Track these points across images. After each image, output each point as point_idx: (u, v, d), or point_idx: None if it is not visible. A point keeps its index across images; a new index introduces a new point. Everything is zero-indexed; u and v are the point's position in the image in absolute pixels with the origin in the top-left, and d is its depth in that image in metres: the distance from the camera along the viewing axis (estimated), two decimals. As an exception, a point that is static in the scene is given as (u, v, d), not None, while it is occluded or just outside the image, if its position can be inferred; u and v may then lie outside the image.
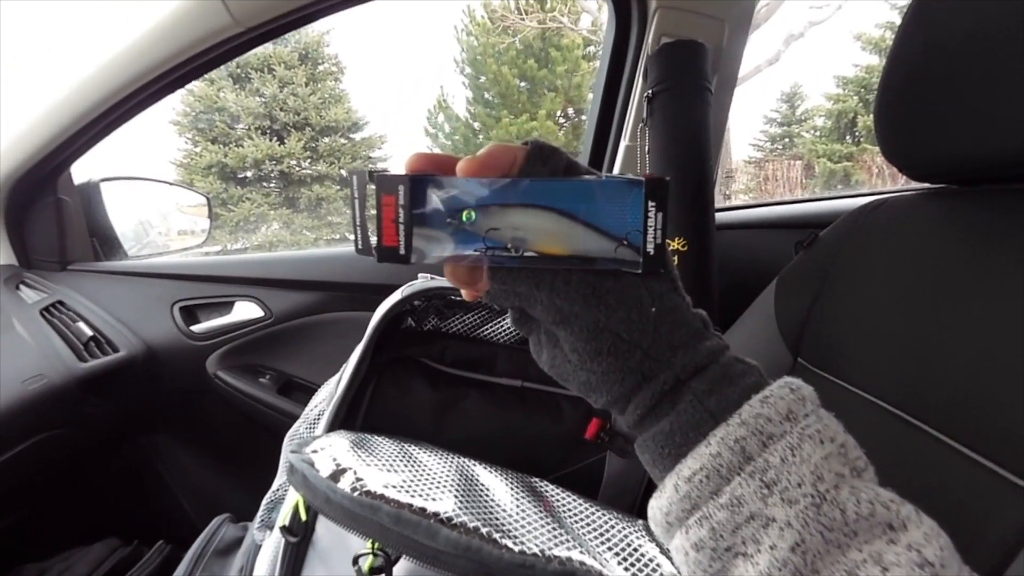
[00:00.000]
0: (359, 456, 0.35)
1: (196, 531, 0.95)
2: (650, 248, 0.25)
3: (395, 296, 0.53)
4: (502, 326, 0.56)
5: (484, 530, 0.29)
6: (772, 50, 8.90)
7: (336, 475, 0.31)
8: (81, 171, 0.98)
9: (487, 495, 0.35)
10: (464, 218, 0.25)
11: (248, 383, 0.92)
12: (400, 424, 0.50)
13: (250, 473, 0.99)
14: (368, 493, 0.30)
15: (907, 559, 0.22)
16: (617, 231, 0.25)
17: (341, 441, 0.37)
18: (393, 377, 0.51)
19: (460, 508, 0.31)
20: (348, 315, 0.96)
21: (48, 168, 0.87)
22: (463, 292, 0.27)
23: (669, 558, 0.36)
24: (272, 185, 9.21)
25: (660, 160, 0.59)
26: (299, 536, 0.43)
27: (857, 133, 9.83)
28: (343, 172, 9.42)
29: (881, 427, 0.52)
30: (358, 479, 0.31)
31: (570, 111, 9.82)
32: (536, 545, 0.30)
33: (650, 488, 0.51)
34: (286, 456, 0.54)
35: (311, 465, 0.32)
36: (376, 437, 0.40)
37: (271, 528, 0.50)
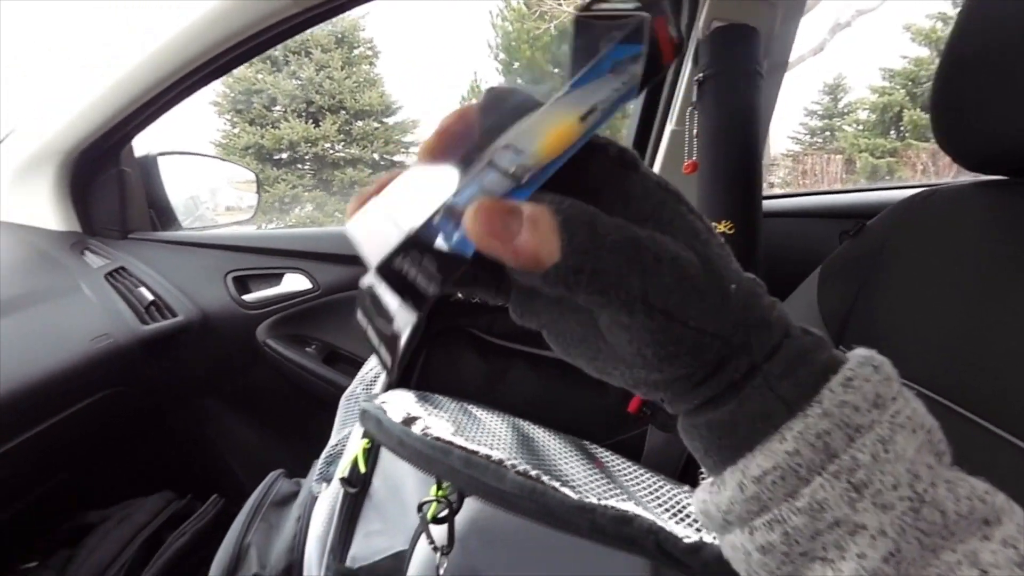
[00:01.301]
0: (425, 408, 0.37)
1: (243, 488, 1.00)
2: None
3: (446, 268, 0.55)
4: (547, 302, 0.58)
5: (545, 478, 0.31)
6: (817, 39, 8.64)
7: (408, 421, 0.34)
8: (139, 145, 1.02)
9: (544, 450, 0.37)
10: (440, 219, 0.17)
11: (295, 352, 0.96)
12: (450, 390, 0.52)
13: (295, 437, 1.04)
14: (439, 439, 0.32)
15: (1005, 558, 0.19)
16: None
17: (407, 396, 0.39)
18: (444, 346, 0.54)
19: (521, 458, 0.33)
20: (392, 289, 0.99)
21: (112, 140, 0.91)
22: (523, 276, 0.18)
23: None
24: (306, 167, 9.36)
25: (709, 144, 0.60)
26: (357, 487, 0.46)
27: (902, 128, 9.50)
28: (375, 156, 9.51)
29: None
30: (427, 427, 0.33)
31: (604, 99, 9.70)
32: (593, 496, 0.32)
33: (691, 463, 0.53)
34: (343, 416, 0.57)
35: (384, 412, 0.35)
36: (436, 395, 0.43)
37: (328, 481, 0.53)
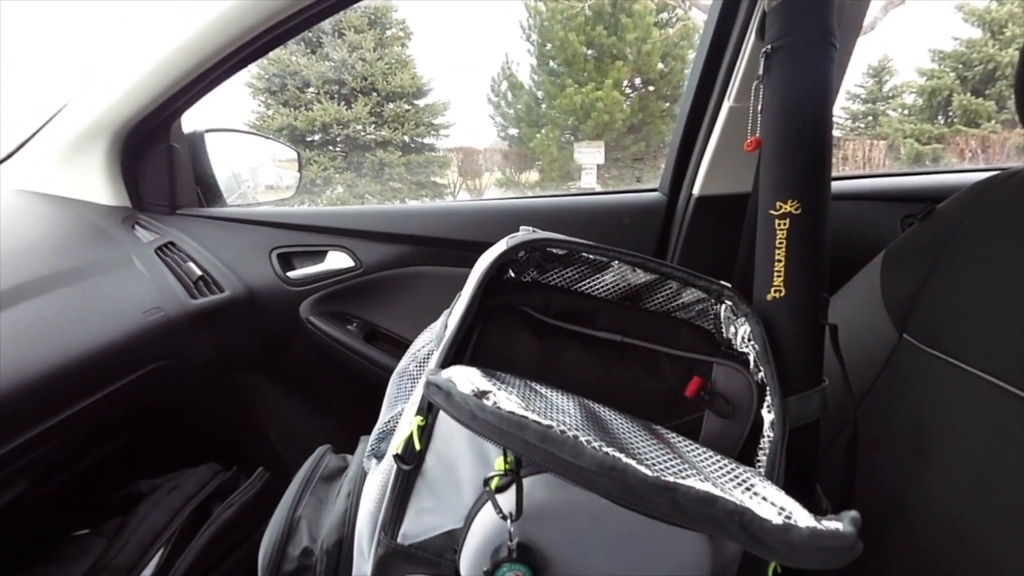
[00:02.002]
0: (493, 383, 0.36)
1: (283, 462, 1.02)
2: None
3: (501, 245, 0.54)
4: (600, 282, 0.56)
5: (620, 455, 0.30)
6: (868, 17, 8.29)
7: (479, 395, 0.33)
8: (187, 121, 1.03)
9: (612, 427, 0.36)
10: None
11: (337, 329, 0.97)
12: (504, 369, 0.51)
13: (336, 413, 1.05)
14: (513, 412, 0.31)
15: None
16: None
17: (471, 371, 0.38)
18: (499, 324, 0.52)
19: (593, 435, 0.32)
20: (434, 269, 0.99)
21: (163, 116, 0.92)
22: None
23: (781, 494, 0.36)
24: (337, 149, 9.43)
25: (776, 120, 0.57)
26: (411, 465, 0.45)
27: (951, 113, 9.09)
28: (405, 138, 9.53)
29: (996, 405, 0.50)
30: (497, 399, 0.32)
31: (637, 81, 9.51)
32: (669, 475, 0.30)
33: (747, 448, 0.51)
34: (395, 393, 0.56)
35: (455, 385, 0.34)
36: (497, 371, 0.42)
37: (379, 458, 0.53)
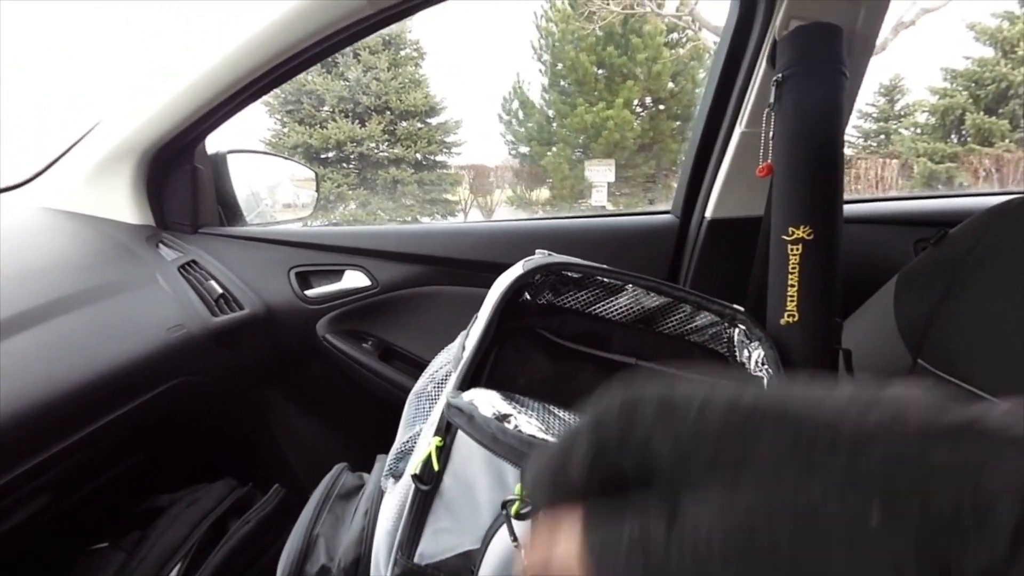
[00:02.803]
0: (513, 406, 0.37)
1: (299, 480, 1.02)
2: None
3: (517, 268, 0.55)
4: (615, 305, 0.57)
5: None
6: (879, 38, 8.33)
7: (501, 418, 0.33)
8: (210, 142, 1.06)
9: None
10: None
11: (353, 347, 0.98)
12: (519, 390, 0.52)
13: (351, 431, 1.06)
14: (533, 436, 0.32)
15: None
16: None
17: (491, 394, 0.39)
18: (515, 346, 0.54)
19: None
20: (449, 289, 1.00)
21: (189, 138, 0.95)
22: None
23: None
24: (351, 167, 9.57)
25: (787, 146, 0.58)
26: (429, 485, 0.46)
27: (964, 132, 9.05)
28: (418, 156, 9.64)
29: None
30: (518, 423, 0.33)
31: (648, 100, 9.58)
32: None
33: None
34: (413, 413, 0.57)
35: (476, 408, 0.35)
36: (516, 395, 0.43)
37: (397, 477, 0.54)
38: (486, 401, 0.36)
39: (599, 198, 9.04)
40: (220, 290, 0.92)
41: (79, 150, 0.99)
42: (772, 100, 0.60)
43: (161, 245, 0.97)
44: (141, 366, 0.75)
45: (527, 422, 0.34)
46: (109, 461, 0.82)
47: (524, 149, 10.28)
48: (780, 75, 0.59)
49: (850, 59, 0.77)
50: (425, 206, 9.73)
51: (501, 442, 0.32)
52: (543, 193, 10.43)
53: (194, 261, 0.95)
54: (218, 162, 1.08)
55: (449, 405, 0.36)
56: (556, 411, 0.42)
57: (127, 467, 0.85)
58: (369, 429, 0.84)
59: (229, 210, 1.11)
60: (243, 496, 0.87)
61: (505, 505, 0.36)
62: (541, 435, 0.32)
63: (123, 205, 1.00)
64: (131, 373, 0.74)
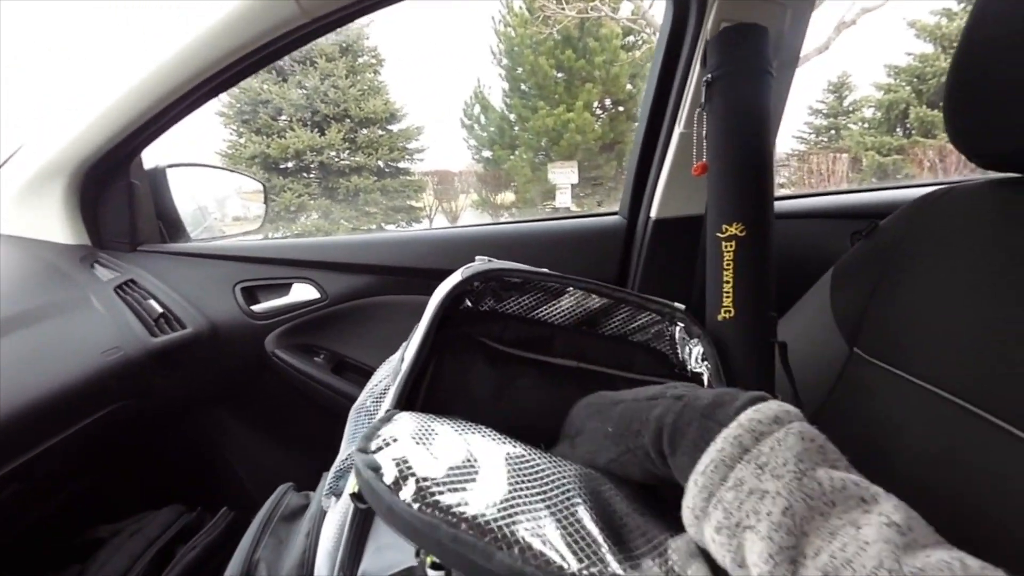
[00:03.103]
0: (424, 448, 0.36)
1: (252, 500, 0.99)
2: None
3: (456, 276, 0.54)
4: (557, 308, 0.57)
5: (542, 547, 0.30)
6: (822, 38, 8.63)
7: (399, 481, 0.33)
8: (148, 158, 1.03)
9: (550, 489, 0.35)
10: None
11: (304, 362, 0.96)
12: (459, 400, 0.52)
13: (305, 447, 1.04)
14: (429, 505, 0.31)
15: (877, 521, 0.26)
16: None
17: (404, 434, 0.38)
18: (454, 354, 0.53)
19: (525, 509, 0.32)
20: (399, 298, 0.99)
21: (122, 154, 0.91)
22: None
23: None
24: (312, 176, 9.41)
25: (718, 145, 0.59)
26: (367, 503, 0.45)
27: (909, 125, 9.43)
28: (380, 163, 9.54)
29: (943, 417, 0.51)
30: (420, 486, 0.32)
31: (607, 102, 9.71)
32: (590, 558, 0.31)
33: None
34: (353, 429, 0.56)
35: (375, 470, 0.33)
36: (439, 424, 0.41)
37: (338, 496, 0.52)
38: (390, 454, 0.35)
39: (563, 200, 9.11)
40: (160, 309, 0.88)
41: (7, 170, 0.94)
42: (703, 100, 0.62)
43: (96, 265, 0.94)
44: (75, 392, 0.72)
45: (432, 471, 0.33)
46: (45, 493, 0.78)
47: (487, 153, 10.29)
48: (709, 75, 0.60)
49: (778, 59, 0.80)
50: (389, 213, 9.64)
51: (396, 514, 0.31)
52: (508, 197, 10.46)
53: (132, 280, 0.92)
54: (157, 177, 1.04)
55: (354, 465, 0.35)
56: (477, 440, 0.40)
57: (66, 498, 0.81)
58: (323, 444, 0.82)
59: (171, 226, 1.07)
60: (191, 521, 0.84)
61: (418, 552, 0.35)
62: (443, 501, 0.31)
63: (55, 225, 0.96)
64: (64, 400, 0.71)
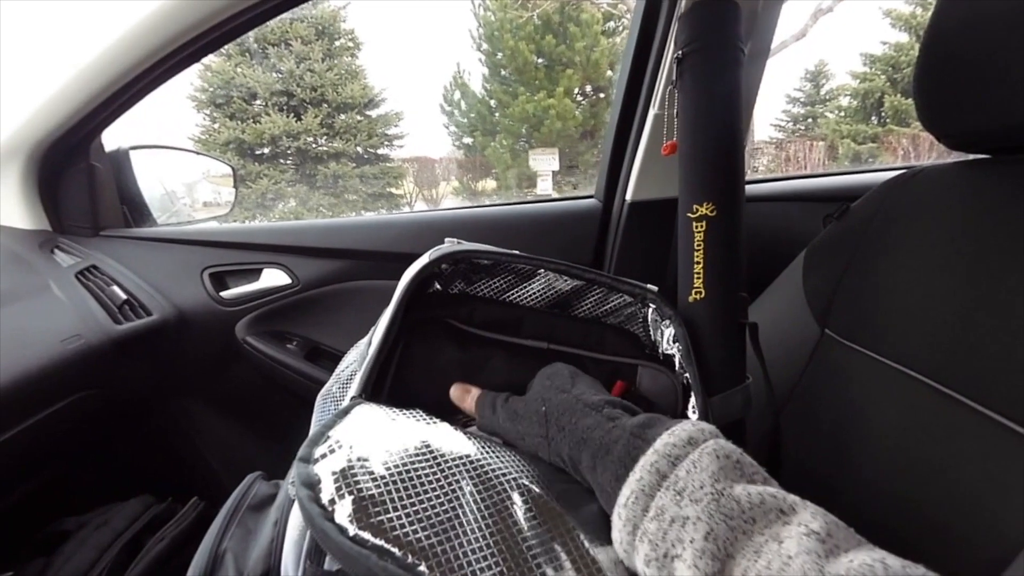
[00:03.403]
0: (372, 451, 0.35)
1: (225, 490, 0.98)
2: None
3: (423, 259, 0.53)
4: (528, 290, 0.57)
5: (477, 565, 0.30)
6: (799, 24, 8.68)
7: (334, 500, 0.32)
8: (110, 140, 0.99)
9: (488, 500, 0.35)
10: None
11: (276, 349, 0.94)
12: (427, 383, 0.51)
13: (277, 435, 1.02)
14: (364, 527, 0.30)
15: (797, 532, 0.26)
16: None
17: (358, 428, 0.37)
18: (423, 337, 0.52)
19: (468, 523, 0.32)
20: (373, 283, 0.97)
21: (80, 134, 0.88)
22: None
23: None
24: (289, 162, 9.25)
25: (689, 123, 0.58)
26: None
27: (884, 113, 9.57)
28: (359, 149, 9.41)
29: (913, 397, 0.52)
30: (357, 505, 0.31)
31: (588, 88, 9.67)
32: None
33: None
34: (319, 416, 0.55)
35: (313, 487, 0.32)
36: (395, 421, 0.40)
37: (305, 482, 0.51)
38: (329, 465, 0.33)
39: (544, 187, 9.09)
40: (124, 296, 0.86)
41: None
42: (674, 78, 0.61)
43: (57, 251, 0.90)
44: (33, 381, 0.69)
45: (370, 484, 0.32)
46: (7, 485, 0.76)
47: (468, 140, 10.21)
48: (680, 52, 0.59)
49: (751, 43, 0.79)
50: (368, 200, 9.52)
51: (330, 541, 0.30)
52: (489, 183, 10.40)
53: (94, 266, 0.89)
54: (119, 159, 1.01)
55: (292, 482, 0.34)
56: (432, 439, 0.39)
57: (28, 491, 0.79)
58: (296, 432, 0.80)
59: (136, 210, 1.04)
60: (161, 513, 0.83)
61: None
62: (375, 522, 0.30)
63: (13, 209, 0.93)
64: (22, 390, 0.68)
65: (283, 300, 0.96)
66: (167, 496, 0.87)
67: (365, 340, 0.56)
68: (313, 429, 0.56)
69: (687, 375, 0.51)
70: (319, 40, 9.13)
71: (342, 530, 0.30)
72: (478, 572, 0.30)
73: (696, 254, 0.55)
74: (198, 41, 0.78)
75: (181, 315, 0.91)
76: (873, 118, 9.83)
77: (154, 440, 0.99)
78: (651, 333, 0.56)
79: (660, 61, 0.83)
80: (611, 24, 9.48)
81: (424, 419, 0.42)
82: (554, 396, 0.42)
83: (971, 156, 0.59)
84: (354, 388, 0.49)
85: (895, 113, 9.24)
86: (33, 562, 0.74)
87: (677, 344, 0.52)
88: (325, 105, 9.08)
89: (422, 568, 0.29)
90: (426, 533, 0.31)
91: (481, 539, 0.32)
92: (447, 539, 0.31)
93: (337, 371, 0.56)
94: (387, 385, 0.50)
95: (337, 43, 9.40)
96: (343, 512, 0.31)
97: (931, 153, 8.82)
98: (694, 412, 0.50)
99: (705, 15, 0.58)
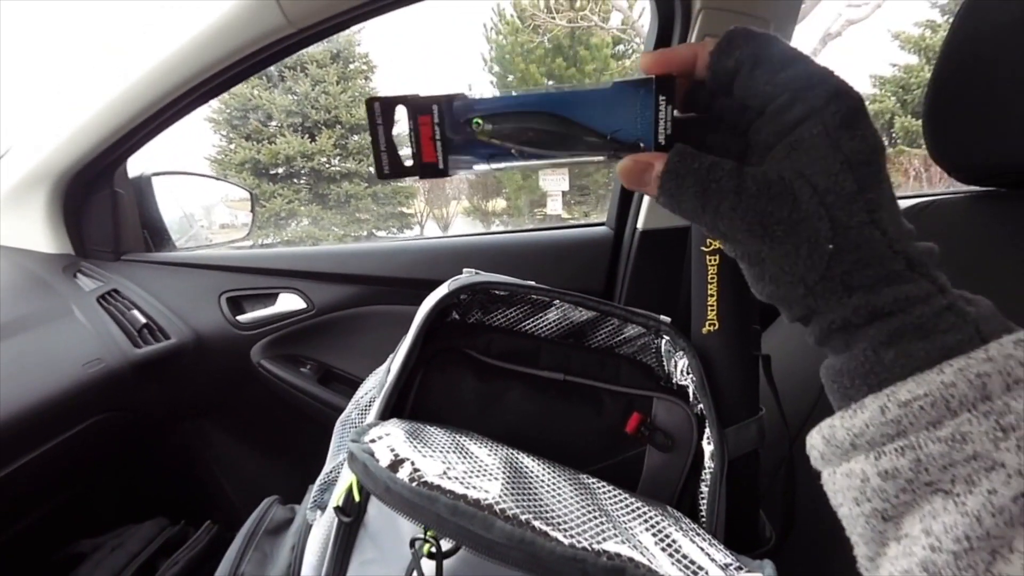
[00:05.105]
0: (415, 446, 0.36)
1: (238, 513, 0.98)
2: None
3: (442, 289, 0.54)
4: (544, 320, 0.57)
5: (536, 523, 0.30)
6: (807, 49, 8.74)
7: (395, 465, 0.33)
8: (133, 165, 1.02)
9: (536, 487, 0.36)
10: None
11: (290, 372, 0.95)
12: (446, 412, 0.52)
13: (291, 459, 1.03)
14: (426, 484, 0.31)
15: None
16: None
17: (397, 431, 0.38)
18: (440, 367, 0.53)
19: (512, 500, 0.32)
20: (387, 308, 0.98)
21: (106, 162, 0.91)
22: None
23: (700, 548, 0.36)
24: (303, 182, 9.37)
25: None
26: (352, 516, 0.45)
27: (894, 134, 9.57)
28: (371, 169, 9.52)
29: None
30: (416, 469, 0.32)
31: (598, 110, 9.75)
32: (585, 539, 0.31)
33: (688, 483, 0.52)
34: (338, 442, 0.56)
35: (371, 455, 0.34)
36: (429, 427, 0.42)
37: (323, 509, 0.52)
38: (386, 444, 0.35)
39: (554, 207, 9.13)
40: (143, 320, 0.87)
41: (-11, 177, 0.93)
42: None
43: (79, 275, 0.93)
44: (55, 405, 0.71)
45: (427, 462, 0.33)
46: (27, 506, 0.77)
47: (478, 160, 10.29)
48: (694, 90, 0.61)
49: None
50: (380, 220, 9.61)
51: (393, 492, 0.31)
52: (499, 203, 10.47)
53: (115, 290, 0.91)
54: (142, 185, 1.04)
55: (349, 452, 0.35)
56: (469, 443, 0.41)
57: (46, 512, 0.80)
58: (310, 456, 0.81)
59: (156, 235, 1.07)
60: (175, 535, 0.83)
61: (414, 543, 0.35)
62: (436, 481, 0.31)
63: (37, 234, 0.95)
64: (44, 413, 0.70)
65: (298, 324, 0.98)
66: (180, 519, 0.87)
67: (384, 367, 0.57)
68: (331, 453, 0.57)
69: (701, 406, 0.51)
70: (334, 63, 9.32)
71: (407, 484, 0.31)
72: (547, 529, 0.30)
73: (710, 287, 0.55)
74: (225, 73, 0.81)
75: (199, 339, 0.93)
76: (884, 139, 9.81)
77: (169, 462, 1.00)
78: (664, 364, 0.57)
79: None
80: (620, 47, 9.60)
81: (453, 429, 0.43)
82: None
83: (983, 188, 0.59)
84: (373, 414, 0.50)
85: (905, 134, 9.23)
86: (49, 584, 0.74)
87: (691, 375, 0.53)
88: (339, 126, 9.23)
89: (486, 512, 0.30)
90: (484, 495, 0.31)
91: (557, 488, 0.32)
92: (506, 500, 0.32)
93: (356, 397, 0.57)
94: (406, 414, 0.51)
95: (352, 66, 9.58)
96: (404, 474, 0.32)
97: (943, 175, 8.79)
98: (709, 443, 0.51)
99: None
